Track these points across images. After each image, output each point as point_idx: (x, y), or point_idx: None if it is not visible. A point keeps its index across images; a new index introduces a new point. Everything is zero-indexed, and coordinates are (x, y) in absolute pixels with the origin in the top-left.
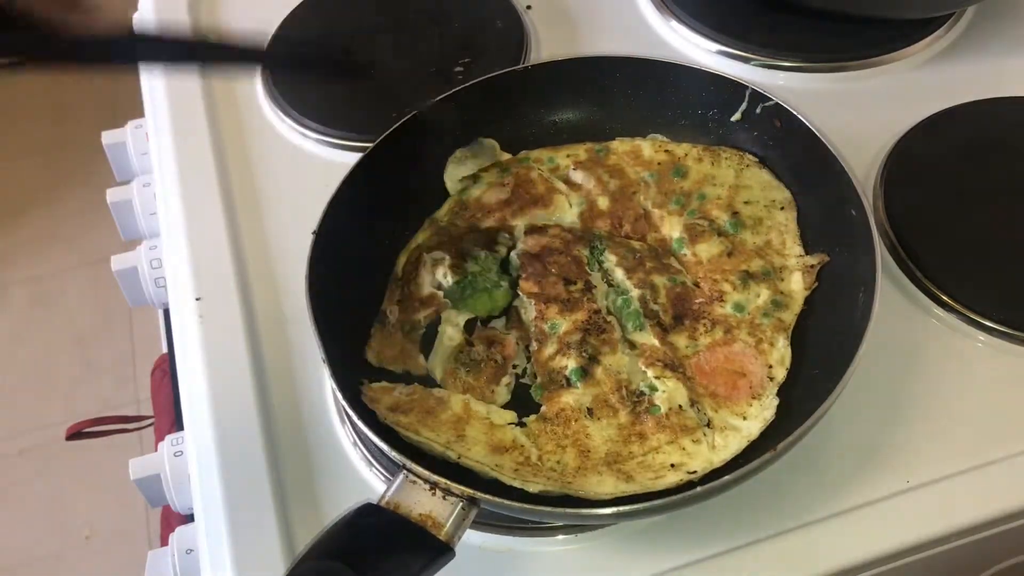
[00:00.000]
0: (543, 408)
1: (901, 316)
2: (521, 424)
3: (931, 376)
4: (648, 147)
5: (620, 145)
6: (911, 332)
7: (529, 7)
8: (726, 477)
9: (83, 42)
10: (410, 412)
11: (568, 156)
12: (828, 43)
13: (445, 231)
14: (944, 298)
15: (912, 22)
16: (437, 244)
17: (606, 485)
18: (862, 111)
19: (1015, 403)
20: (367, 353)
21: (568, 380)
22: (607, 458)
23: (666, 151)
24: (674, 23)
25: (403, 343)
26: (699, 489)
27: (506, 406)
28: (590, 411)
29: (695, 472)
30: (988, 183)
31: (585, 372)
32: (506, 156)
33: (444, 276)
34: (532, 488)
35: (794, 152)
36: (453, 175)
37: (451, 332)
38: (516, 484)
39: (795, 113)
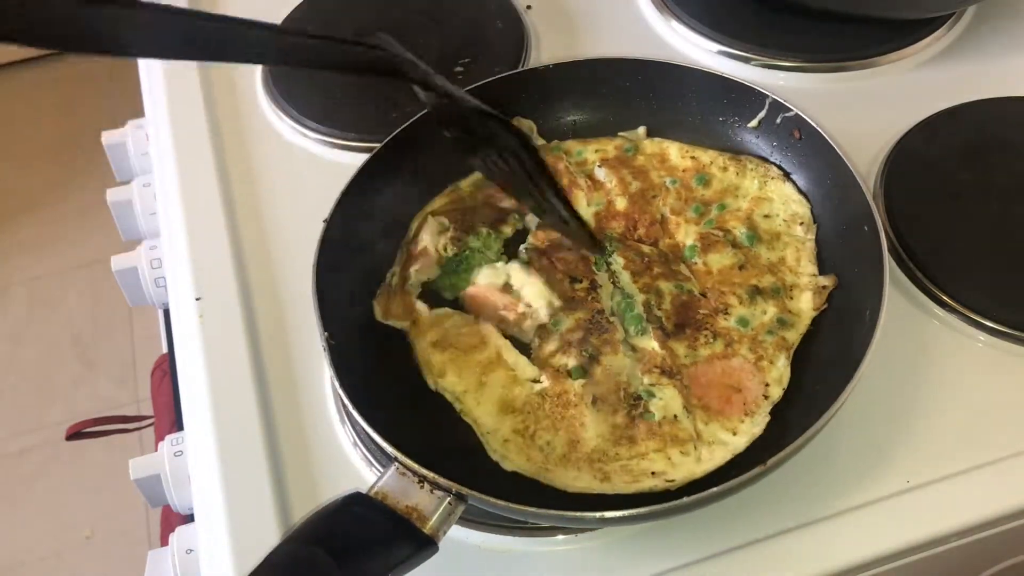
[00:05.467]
0: (546, 385)
1: (902, 317)
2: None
3: (931, 376)
4: (675, 151)
5: (649, 145)
6: (911, 332)
7: (529, 7)
8: (712, 489)
9: None
10: (448, 349)
11: (596, 151)
12: (828, 43)
13: (461, 200)
14: (944, 298)
15: (912, 22)
16: (449, 211)
17: (580, 481)
18: (862, 111)
19: (1015, 403)
20: (375, 310)
21: (569, 376)
22: (592, 454)
23: (692, 157)
24: (674, 23)
25: (403, 298)
26: (685, 500)
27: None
28: (595, 399)
29: (673, 480)
30: (988, 183)
31: (585, 371)
32: (541, 141)
33: (444, 248)
34: (508, 466)
35: (811, 164)
36: None
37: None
38: (495, 458)
39: (815, 126)
